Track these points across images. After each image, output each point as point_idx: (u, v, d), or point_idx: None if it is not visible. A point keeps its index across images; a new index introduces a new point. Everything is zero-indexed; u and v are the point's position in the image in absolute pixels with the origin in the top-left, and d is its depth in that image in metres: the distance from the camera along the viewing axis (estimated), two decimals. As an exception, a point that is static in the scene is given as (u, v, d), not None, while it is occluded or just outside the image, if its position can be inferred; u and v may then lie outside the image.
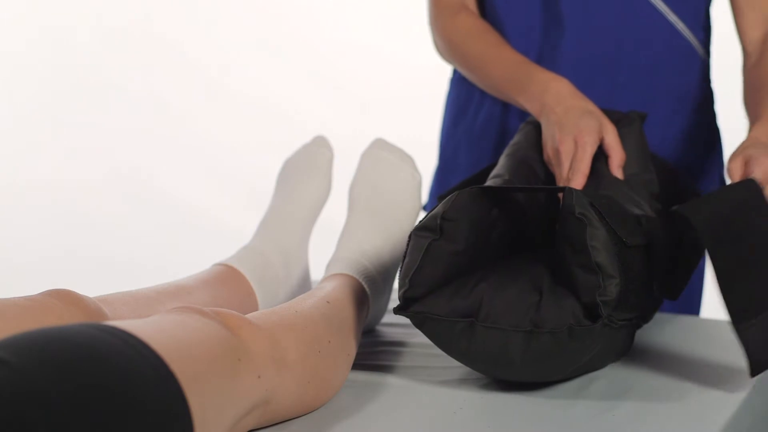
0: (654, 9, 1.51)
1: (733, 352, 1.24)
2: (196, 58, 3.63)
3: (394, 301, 1.45)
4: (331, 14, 3.41)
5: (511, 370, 1.12)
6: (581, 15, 1.55)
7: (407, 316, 1.14)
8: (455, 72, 1.72)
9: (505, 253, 1.22)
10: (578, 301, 1.10)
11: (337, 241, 1.37)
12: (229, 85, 3.62)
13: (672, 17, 1.48)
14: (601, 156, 1.36)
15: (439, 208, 1.16)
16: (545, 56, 1.57)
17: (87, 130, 3.56)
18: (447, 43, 1.61)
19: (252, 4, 3.66)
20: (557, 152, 1.34)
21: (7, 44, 3.60)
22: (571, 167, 1.32)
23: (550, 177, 1.39)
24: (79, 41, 3.61)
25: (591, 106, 1.38)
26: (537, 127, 1.44)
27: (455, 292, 1.14)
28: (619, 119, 1.41)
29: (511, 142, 1.43)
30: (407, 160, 1.47)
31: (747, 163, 1.24)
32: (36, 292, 1.06)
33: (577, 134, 1.33)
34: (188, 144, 3.57)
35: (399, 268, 1.16)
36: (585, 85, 1.50)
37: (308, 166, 1.52)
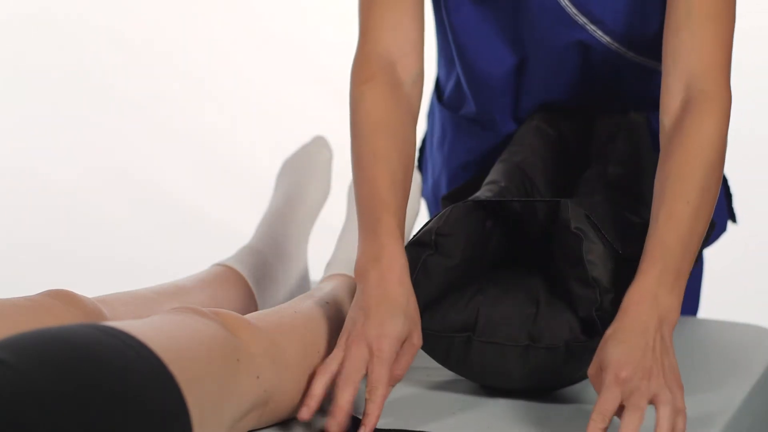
0: (629, 62, 1.34)
1: (732, 352, 1.24)
2: (196, 57, 3.63)
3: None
4: (332, 14, 3.41)
5: (508, 382, 1.12)
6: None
7: None
8: (433, 97, 1.55)
9: (502, 264, 1.20)
10: (575, 316, 1.09)
11: (336, 242, 1.37)
12: (229, 86, 3.62)
13: (651, 64, 1.38)
14: (601, 156, 1.35)
15: (433, 223, 1.14)
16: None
17: (87, 130, 3.56)
18: (350, 114, 1.19)
19: (252, 5, 3.66)
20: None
21: (7, 44, 3.60)
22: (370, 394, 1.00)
23: (549, 186, 1.33)
24: (78, 41, 3.61)
25: (406, 304, 1.05)
26: (536, 131, 1.37)
27: (451, 306, 1.13)
28: (618, 122, 1.38)
29: (508, 147, 1.37)
30: (407, 160, 1.46)
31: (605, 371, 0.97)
32: (35, 292, 1.06)
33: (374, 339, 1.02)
34: (188, 144, 3.57)
35: None
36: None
37: (307, 166, 1.52)
